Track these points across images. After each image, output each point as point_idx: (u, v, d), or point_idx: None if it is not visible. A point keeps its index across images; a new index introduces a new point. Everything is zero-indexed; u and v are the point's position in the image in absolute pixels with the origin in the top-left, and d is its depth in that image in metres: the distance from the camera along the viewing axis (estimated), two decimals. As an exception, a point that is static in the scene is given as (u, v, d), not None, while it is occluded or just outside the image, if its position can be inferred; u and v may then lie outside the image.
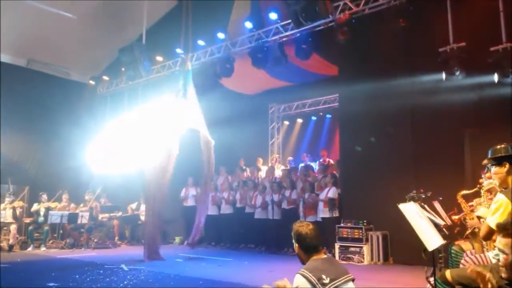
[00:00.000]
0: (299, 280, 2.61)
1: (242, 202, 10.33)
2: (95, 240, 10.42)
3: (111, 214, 11.17)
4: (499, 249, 1.86)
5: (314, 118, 12.86)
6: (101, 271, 6.68)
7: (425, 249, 3.29)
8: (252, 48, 9.22)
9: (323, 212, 8.62)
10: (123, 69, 11.45)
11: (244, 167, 11.74)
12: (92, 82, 13.05)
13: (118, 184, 11.11)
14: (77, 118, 11.97)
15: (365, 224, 7.81)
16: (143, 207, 11.45)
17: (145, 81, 11.47)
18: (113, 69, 12.80)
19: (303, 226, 2.83)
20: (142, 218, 11.36)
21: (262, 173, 11.50)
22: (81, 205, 10.75)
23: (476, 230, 3.90)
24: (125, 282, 5.83)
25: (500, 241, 1.86)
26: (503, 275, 1.87)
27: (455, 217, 4.49)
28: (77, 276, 6.15)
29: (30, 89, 11.77)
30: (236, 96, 11.35)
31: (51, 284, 5.54)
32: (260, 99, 12.10)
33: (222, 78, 9.88)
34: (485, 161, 3.15)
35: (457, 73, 6.73)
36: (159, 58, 11.33)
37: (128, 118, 10.30)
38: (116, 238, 11.07)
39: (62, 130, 11.53)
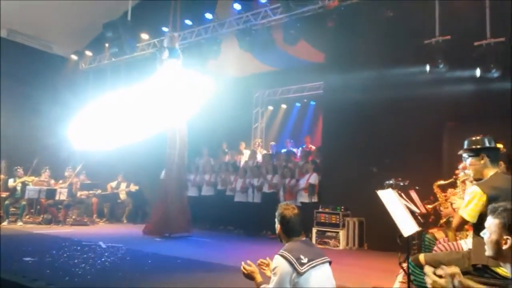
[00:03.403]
0: (279, 260, 2.67)
1: (223, 185, 10.38)
2: (73, 217, 10.33)
3: (90, 192, 11.08)
4: (486, 227, 1.96)
5: (298, 104, 12.92)
6: (78, 248, 6.65)
7: (400, 235, 3.39)
8: (239, 30, 9.14)
9: (303, 197, 8.75)
10: (107, 45, 11.22)
11: (226, 150, 11.76)
12: (74, 57, 12.75)
13: (98, 162, 10.99)
14: (58, 93, 11.71)
15: (342, 210, 7.98)
16: (123, 186, 11.42)
17: (129, 59, 11.27)
18: (97, 45, 12.52)
19: (289, 209, 2.88)
20: (122, 196, 11.34)
21: (245, 157, 11.54)
22: (61, 181, 10.61)
23: (450, 219, 4.04)
24: (103, 259, 5.83)
25: (487, 220, 1.96)
26: (487, 253, 1.97)
27: (430, 206, 4.63)
28: (53, 252, 6.10)
29: (9, 61, 11.40)
30: (221, 79, 11.27)
31: (27, 259, 5.49)
32: (246, 83, 12.05)
33: (208, 59, 9.79)
34: (460, 152, 3.22)
35: (441, 66, 6.85)
36: (144, 36, 11.13)
37: (119, 95, 10.16)
38: (95, 216, 11.00)
39: (42, 106, 11.26)
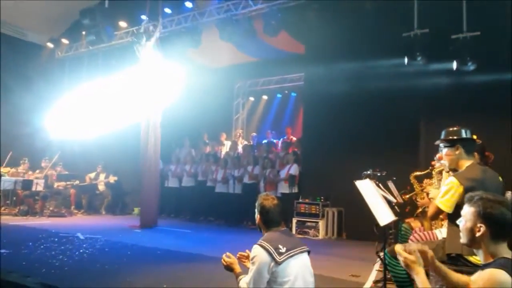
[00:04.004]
0: (257, 250, 2.68)
1: (204, 176, 10.35)
2: (50, 208, 10.14)
3: (68, 183, 10.88)
4: (462, 215, 2.02)
5: (279, 95, 12.92)
6: (56, 239, 6.55)
7: (377, 224, 3.46)
8: (220, 20, 9.05)
9: (283, 188, 8.82)
10: (83, 32, 10.94)
11: (207, 141, 11.71)
12: (50, 45, 12.38)
13: (76, 153, 10.80)
14: (32, 82, 11.36)
15: (322, 200, 8.08)
16: (102, 177, 11.26)
17: (107, 47, 11.03)
18: (73, 32, 12.18)
19: (269, 199, 2.88)
20: (100, 188, 11.19)
21: (226, 148, 11.52)
22: (37, 171, 10.38)
23: (426, 209, 4.13)
24: (81, 251, 5.76)
25: (464, 208, 2.02)
26: (461, 240, 2.03)
27: (406, 196, 4.72)
28: (30, 243, 5.99)
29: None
30: (203, 69, 11.17)
31: (2, 251, 5.38)
32: (227, 73, 11.98)
33: (188, 49, 9.68)
34: (437, 142, 3.27)
35: (419, 58, 6.94)
36: (122, 24, 10.89)
37: (97, 84, 9.97)
38: (72, 207, 10.83)
39: (15, 95, 10.90)
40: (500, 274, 1.76)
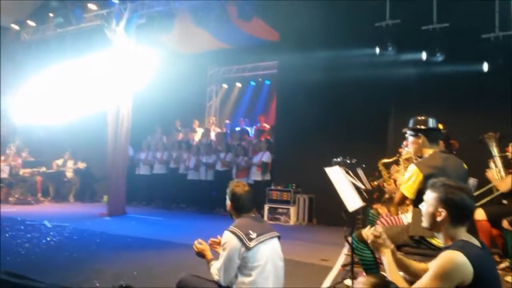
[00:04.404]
0: (228, 236, 2.70)
1: (176, 163, 10.26)
2: (16, 196, 9.84)
3: (34, 170, 10.55)
4: (425, 200, 2.10)
5: (253, 83, 12.88)
6: (22, 227, 6.37)
7: (345, 210, 3.54)
8: (193, 4, 8.88)
9: (256, 175, 8.87)
10: (51, 14, 10.52)
11: (179, 128, 11.59)
12: (15, 27, 11.83)
13: (43, 139, 10.47)
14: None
15: (293, 187, 8.19)
16: (70, 163, 10.98)
17: (75, 30, 10.65)
18: (40, 14, 11.67)
19: (240, 186, 2.89)
20: (68, 175, 10.92)
21: (198, 135, 11.44)
22: (2, 158, 10.02)
23: (393, 195, 4.25)
24: (48, 239, 5.63)
25: (426, 194, 2.10)
26: (423, 224, 2.11)
27: (375, 183, 4.84)
28: (-6, 232, 5.81)
29: None
30: (175, 55, 10.97)
31: (-36, 240, 5.20)
32: (200, 60, 11.80)
33: (161, 34, 9.47)
34: (404, 129, 3.38)
35: (390, 48, 7.05)
36: (91, 6, 10.52)
37: (65, 68, 9.63)
38: (39, 194, 10.53)
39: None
40: (457, 256, 1.84)
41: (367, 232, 2.24)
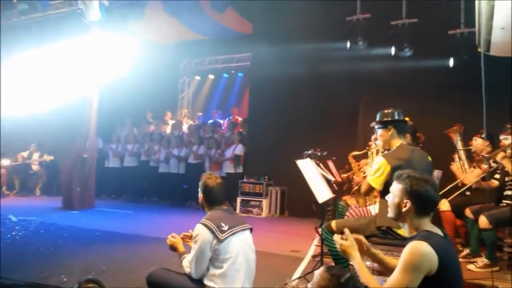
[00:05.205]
0: (200, 228, 2.70)
1: (147, 155, 10.11)
2: (-21, 190, 9.46)
3: (-2, 162, 10.16)
4: (391, 191, 2.15)
5: (226, 75, 12.80)
6: (-16, 222, 6.14)
7: (315, 202, 3.59)
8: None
9: (228, 168, 8.86)
10: (15, 0, 10.07)
11: (151, 120, 11.40)
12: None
13: (7, 130, 10.05)
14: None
15: (266, 180, 8.23)
16: (36, 156, 10.64)
17: (41, 17, 10.24)
18: (3, 1, 11.16)
19: (212, 179, 2.88)
20: (34, 167, 10.59)
21: (170, 127, 11.29)
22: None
23: (361, 186, 4.35)
24: (13, 233, 5.45)
25: (393, 185, 2.14)
26: (389, 215, 2.16)
27: (344, 175, 4.94)
28: (-46, 227, 5.58)
29: None
30: (146, 45, 10.74)
31: None
32: (172, 50, 11.61)
33: (130, 22, 9.24)
34: (373, 123, 3.45)
35: (360, 43, 7.16)
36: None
37: (30, 57, 9.24)
38: (4, 188, 10.15)
39: None
40: (423, 246, 1.90)
41: (335, 238, 2.26)
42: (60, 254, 4.57)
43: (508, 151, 4.12)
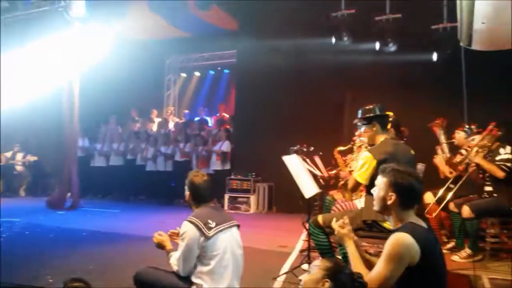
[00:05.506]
0: (187, 226, 2.69)
1: (134, 154, 10.03)
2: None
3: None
4: (376, 185, 2.18)
5: (212, 72, 12.75)
6: (-33, 224, 6.02)
7: (302, 197, 3.61)
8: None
9: (216, 165, 8.84)
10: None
11: (137, 118, 11.30)
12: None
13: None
14: None
15: (253, 176, 8.25)
16: (19, 156, 10.48)
17: (23, 16, 10.04)
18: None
19: (198, 176, 2.87)
20: (18, 168, 10.42)
21: (156, 125, 11.22)
22: None
23: (347, 181, 4.38)
24: (-3, 235, 5.37)
25: (378, 179, 2.18)
26: (374, 208, 2.20)
27: (332, 172, 4.97)
28: None
29: None
30: (131, 43, 10.62)
31: None
32: (157, 48, 11.51)
33: (114, 19, 9.12)
34: (355, 120, 3.48)
35: (345, 38, 7.20)
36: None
37: (12, 54, 9.04)
38: (-13, 189, 9.99)
39: None
40: (405, 237, 1.94)
41: (334, 225, 2.32)
42: (46, 255, 4.51)
43: (479, 150, 4.19)
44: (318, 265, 1.88)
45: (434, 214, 4.49)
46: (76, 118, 8.30)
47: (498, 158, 4.04)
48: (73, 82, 8.20)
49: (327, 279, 1.79)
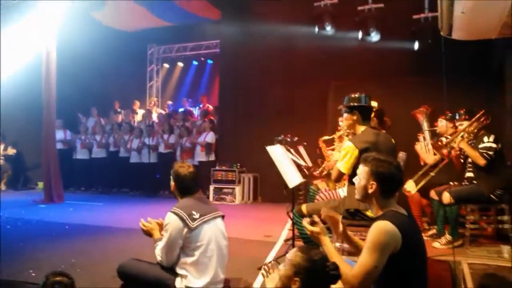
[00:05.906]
0: (170, 217, 2.69)
1: (117, 146, 9.91)
2: None
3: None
4: (358, 174, 2.19)
5: (195, 62, 12.63)
6: None
7: (286, 187, 3.63)
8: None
9: (200, 156, 8.81)
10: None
11: (119, 110, 11.15)
12: None
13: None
14: None
15: (238, 167, 8.24)
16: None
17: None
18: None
19: (184, 167, 2.87)
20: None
21: (139, 117, 11.10)
22: None
23: (331, 171, 4.42)
24: (-23, 230, 5.25)
25: (359, 168, 2.19)
26: (356, 196, 2.21)
27: (318, 164, 5.00)
28: None
29: None
30: (112, 33, 10.42)
31: None
32: (139, 38, 11.34)
33: (93, 11, 8.94)
34: (340, 106, 3.50)
35: (328, 28, 7.21)
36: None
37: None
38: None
39: None
40: (386, 225, 1.96)
41: (304, 224, 2.27)
42: (28, 249, 4.45)
43: (465, 135, 4.27)
44: (289, 258, 1.87)
45: (414, 191, 4.58)
46: (53, 103, 8.07)
47: (481, 146, 4.11)
48: (50, 52, 7.93)
49: (297, 278, 1.78)
